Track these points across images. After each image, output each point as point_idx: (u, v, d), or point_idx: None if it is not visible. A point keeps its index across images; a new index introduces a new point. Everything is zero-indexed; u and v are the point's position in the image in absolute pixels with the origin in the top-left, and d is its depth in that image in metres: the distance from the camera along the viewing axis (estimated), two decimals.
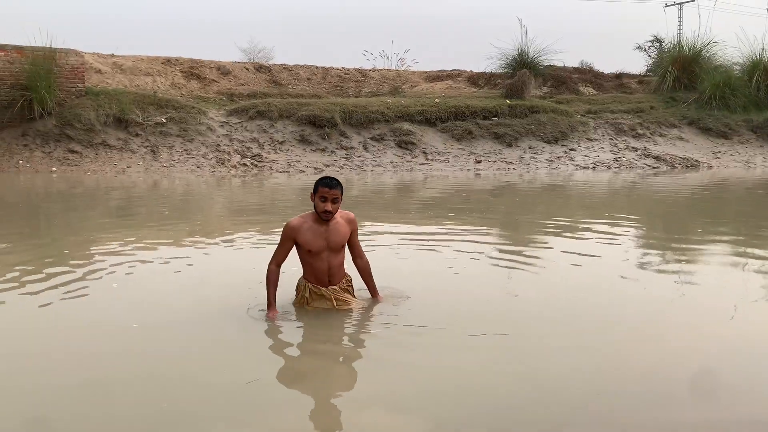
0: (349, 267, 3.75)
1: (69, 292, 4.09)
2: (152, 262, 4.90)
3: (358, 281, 3.79)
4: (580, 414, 2.58)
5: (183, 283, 4.39)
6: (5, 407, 2.52)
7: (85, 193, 9.06)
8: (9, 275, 4.37)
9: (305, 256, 3.55)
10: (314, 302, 3.59)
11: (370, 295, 3.79)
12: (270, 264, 3.52)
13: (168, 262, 4.87)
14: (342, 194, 3.47)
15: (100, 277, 4.43)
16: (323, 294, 3.59)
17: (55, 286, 4.17)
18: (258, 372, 2.89)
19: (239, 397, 2.64)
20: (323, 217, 3.43)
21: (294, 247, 3.56)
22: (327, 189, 3.41)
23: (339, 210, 3.52)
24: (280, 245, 3.55)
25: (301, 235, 3.48)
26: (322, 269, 3.56)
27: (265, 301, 3.53)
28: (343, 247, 3.60)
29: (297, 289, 3.65)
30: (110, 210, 7.85)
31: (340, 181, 3.52)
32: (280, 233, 3.53)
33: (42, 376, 2.86)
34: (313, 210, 3.51)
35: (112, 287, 4.25)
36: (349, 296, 3.67)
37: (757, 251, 5.64)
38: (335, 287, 3.62)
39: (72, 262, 4.92)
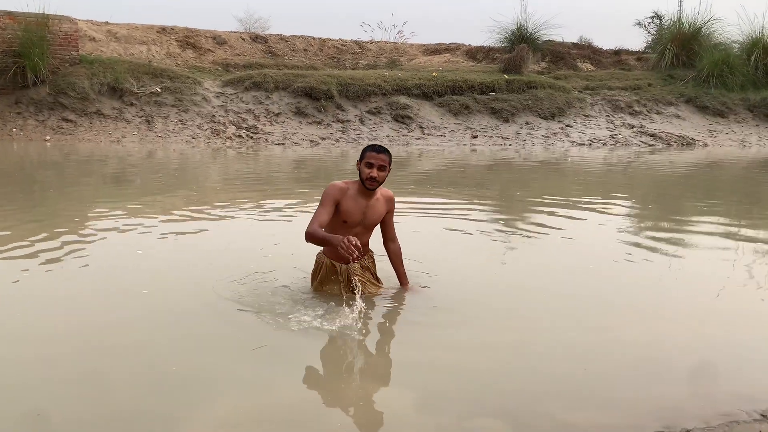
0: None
1: (72, 256, 4.12)
2: (157, 231, 4.93)
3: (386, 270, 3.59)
4: (567, 389, 2.64)
5: (188, 253, 4.42)
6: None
7: (80, 163, 9.02)
8: (4, 245, 4.38)
9: (335, 227, 3.27)
10: (328, 284, 3.40)
11: (398, 282, 3.54)
12: (311, 224, 3.13)
13: (169, 233, 4.89)
14: (390, 164, 3.25)
15: (102, 245, 4.45)
16: (338, 274, 3.37)
17: (57, 255, 4.19)
18: (264, 340, 2.94)
19: (242, 363, 2.69)
20: (367, 186, 3.20)
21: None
22: (374, 154, 3.19)
23: (380, 189, 3.31)
24: (322, 206, 3.20)
25: (344, 201, 3.24)
26: None
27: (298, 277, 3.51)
28: (375, 225, 3.40)
29: (316, 264, 3.46)
30: (106, 180, 7.83)
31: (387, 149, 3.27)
32: (321, 196, 3.23)
33: (45, 345, 2.90)
34: (357, 179, 3.28)
35: (122, 255, 4.27)
36: (368, 278, 3.44)
37: (748, 231, 5.70)
38: (355, 265, 3.36)
39: (71, 231, 4.94)
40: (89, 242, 4.59)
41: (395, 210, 3.51)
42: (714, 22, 16.52)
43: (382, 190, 3.38)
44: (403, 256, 3.56)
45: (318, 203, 3.22)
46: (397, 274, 3.55)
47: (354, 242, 2.84)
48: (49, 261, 4.08)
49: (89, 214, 5.74)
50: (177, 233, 4.91)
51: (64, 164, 8.84)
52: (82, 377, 2.58)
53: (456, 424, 2.32)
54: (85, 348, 2.85)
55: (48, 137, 10.64)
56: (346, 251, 2.82)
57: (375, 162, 3.18)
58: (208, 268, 3.99)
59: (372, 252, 3.51)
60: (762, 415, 2.43)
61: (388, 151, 3.24)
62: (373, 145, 3.27)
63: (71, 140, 10.62)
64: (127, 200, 6.34)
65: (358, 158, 3.26)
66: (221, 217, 5.60)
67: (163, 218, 5.47)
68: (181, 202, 6.32)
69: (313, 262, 3.49)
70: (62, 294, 3.55)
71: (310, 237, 3.08)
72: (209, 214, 5.72)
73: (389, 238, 3.53)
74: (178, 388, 2.52)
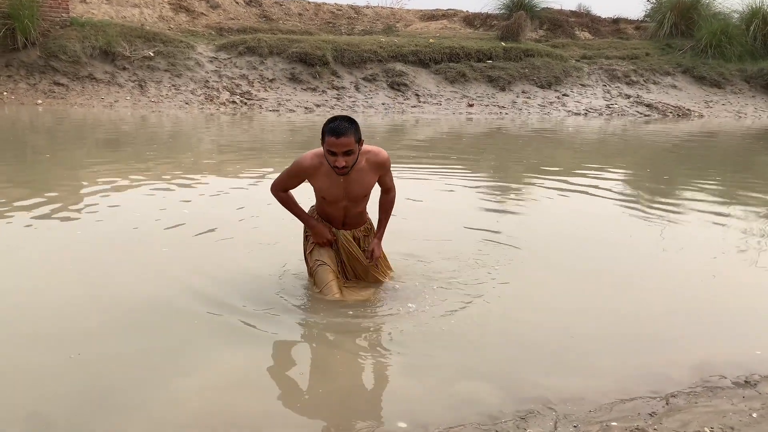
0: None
1: (62, 222, 4.13)
2: (149, 198, 4.92)
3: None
4: (553, 355, 2.70)
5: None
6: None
7: (72, 127, 8.94)
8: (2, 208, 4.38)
9: (319, 199, 2.99)
10: (317, 249, 3.04)
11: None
12: (276, 192, 2.94)
13: (162, 199, 4.89)
14: (359, 139, 2.73)
15: (92, 211, 4.46)
16: (336, 235, 3.06)
17: (46, 220, 4.20)
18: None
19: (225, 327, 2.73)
20: (338, 173, 2.77)
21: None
22: (334, 140, 2.65)
23: (364, 150, 2.84)
24: (286, 176, 2.91)
25: (316, 180, 2.87)
26: (336, 216, 3.02)
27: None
28: (366, 196, 2.99)
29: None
30: (99, 145, 7.78)
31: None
32: (290, 165, 2.91)
33: (46, 297, 2.93)
34: None
35: (114, 222, 4.28)
36: (355, 252, 3.09)
37: (740, 201, 5.75)
38: (346, 232, 3.06)
39: (61, 197, 4.93)
40: (79, 209, 4.59)
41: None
42: None
43: (369, 155, 2.87)
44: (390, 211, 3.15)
45: (285, 172, 2.93)
46: (378, 223, 3.17)
47: (329, 240, 2.97)
48: (36, 226, 4.09)
49: (81, 180, 5.72)
50: (169, 199, 4.91)
51: (57, 129, 8.77)
52: (64, 341, 2.62)
53: (442, 389, 2.38)
54: (69, 315, 2.89)
55: (40, 101, 10.52)
56: (323, 244, 2.99)
57: (337, 150, 2.68)
58: (199, 238, 4.01)
59: (369, 221, 3.16)
60: (745, 380, 2.50)
61: (350, 128, 2.67)
62: (330, 123, 2.71)
63: (63, 104, 10.50)
64: (120, 166, 6.32)
65: (321, 136, 2.76)
66: (214, 184, 5.59)
67: (156, 184, 5.46)
68: (175, 167, 6.30)
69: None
70: (48, 261, 3.57)
71: (279, 200, 2.97)
72: (201, 180, 5.71)
73: (384, 190, 3.12)
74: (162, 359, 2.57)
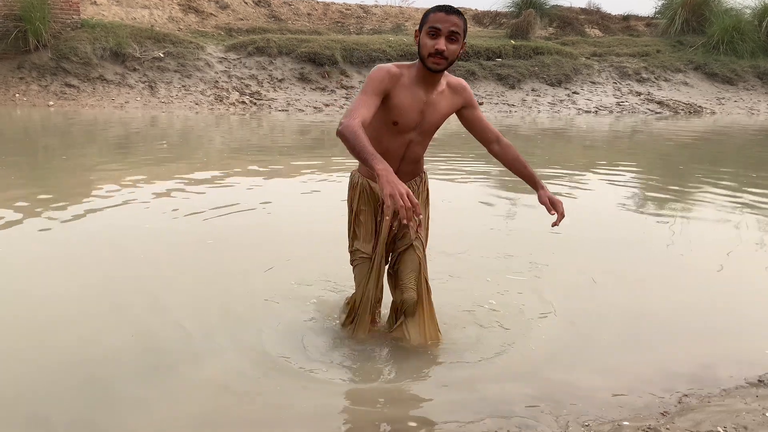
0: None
1: (73, 223, 4.16)
2: (162, 199, 4.95)
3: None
4: (564, 353, 2.69)
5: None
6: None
7: (84, 128, 9.01)
8: (8, 209, 4.42)
9: (380, 131, 2.33)
10: (362, 216, 2.50)
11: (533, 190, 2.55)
12: (352, 120, 2.07)
13: (175, 201, 4.92)
14: (465, 34, 2.24)
15: (105, 213, 4.49)
16: (375, 201, 2.46)
17: (59, 220, 4.23)
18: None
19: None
20: (431, 65, 2.21)
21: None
22: (443, 15, 2.17)
23: (444, 75, 2.34)
24: (363, 94, 2.21)
25: (397, 92, 2.27)
26: (395, 155, 2.38)
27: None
28: (436, 129, 2.45)
29: (350, 188, 2.56)
30: (110, 146, 7.83)
31: None
32: (365, 81, 2.25)
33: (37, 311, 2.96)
34: (415, 61, 2.31)
35: (127, 223, 4.31)
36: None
37: (753, 199, 5.69)
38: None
39: (74, 198, 4.97)
40: (91, 209, 4.62)
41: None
42: None
43: (450, 79, 2.39)
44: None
45: (360, 93, 2.24)
46: (524, 180, 2.57)
47: (411, 199, 1.85)
48: (47, 228, 4.12)
49: (93, 181, 5.75)
50: (182, 201, 4.93)
51: (68, 130, 8.83)
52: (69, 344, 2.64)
53: (453, 386, 2.37)
54: (77, 314, 2.90)
55: (51, 102, 10.60)
56: (398, 206, 1.84)
57: (443, 27, 2.17)
58: (214, 239, 4.03)
59: (426, 173, 2.60)
60: (759, 380, 2.47)
61: (461, 14, 2.20)
62: (439, 5, 2.22)
63: (74, 105, 10.57)
64: (132, 167, 6.35)
65: (418, 27, 2.26)
66: (228, 184, 5.61)
67: (168, 186, 5.49)
68: (187, 169, 6.33)
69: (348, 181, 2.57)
70: (60, 260, 3.59)
71: (343, 136, 2.05)
72: (215, 181, 5.73)
73: (491, 139, 2.52)
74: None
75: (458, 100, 2.41)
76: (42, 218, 4.24)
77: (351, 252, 2.59)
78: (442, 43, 2.17)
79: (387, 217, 2.36)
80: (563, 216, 2.45)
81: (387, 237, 2.47)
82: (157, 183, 5.51)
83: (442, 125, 2.47)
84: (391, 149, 2.35)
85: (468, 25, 2.25)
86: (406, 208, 1.83)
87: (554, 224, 2.46)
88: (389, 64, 2.29)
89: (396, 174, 2.10)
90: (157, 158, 6.88)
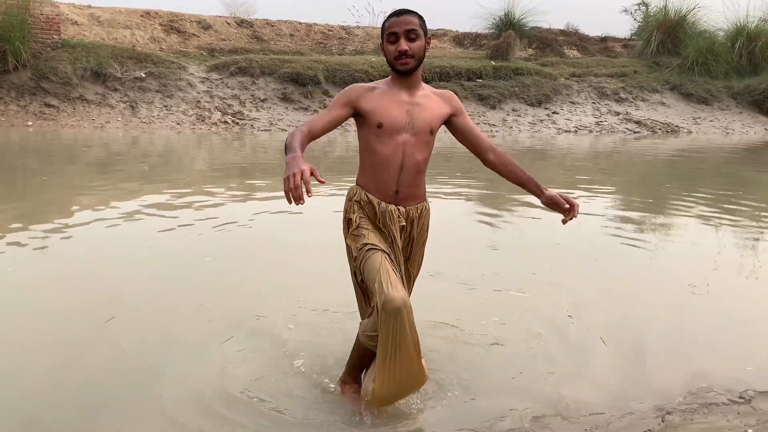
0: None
1: (51, 245, 4.10)
2: (142, 221, 4.90)
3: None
4: (549, 370, 2.69)
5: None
6: None
7: (63, 149, 8.92)
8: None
9: (370, 139, 2.23)
10: (363, 230, 2.22)
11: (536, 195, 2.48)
12: (299, 127, 2.15)
13: (155, 222, 4.87)
14: (425, 30, 2.22)
15: (84, 235, 4.43)
16: (382, 216, 2.24)
17: (37, 243, 4.16)
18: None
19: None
20: (399, 67, 2.19)
21: (350, 118, 2.26)
22: (395, 18, 2.17)
23: (427, 85, 2.34)
24: (326, 110, 2.24)
25: (369, 99, 2.22)
26: (393, 164, 2.23)
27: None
28: (432, 137, 2.31)
29: (347, 200, 2.34)
30: (90, 167, 7.75)
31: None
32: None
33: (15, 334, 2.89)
34: (390, 75, 2.28)
35: (106, 244, 4.25)
36: (403, 244, 2.30)
37: (731, 217, 5.78)
38: (400, 209, 2.27)
39: (52, 220, 4.90)
40: (69, 232, 4.56)
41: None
42: (699, 9, 16.64)
43: (433, 89, 2.38)
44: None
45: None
46: (526, 187, 2.50)
47: (304, 178, 1.79)
48: (24, 249, 4.05)
49: (72, 202, 5.68)
50: (162, 222, 4.89)
51: (47, 151, 8.73)
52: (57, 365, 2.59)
53: (448, 399, 2.36)
54: (56, 337, 2.85)
55: (30, 123, 10.49)
56: (288, 186, 1.78)
57: (399, 30, 2.16)
58: (195, 258, 3.99)
59: (428, 204, 2.40)
60: (740, 396, 2.49)
61: (413, 13, 2.21)
62: (392, 12, 2.23)
63: (54, 126, 10.47)
64: (112, 188, 6.29)
65: (380, 42, 2.25)
66: (211, 205, 5.57)
67: (148, 207, 5.44)
68: (167, 189, 6.28)
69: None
70: (39, 282, 3.53)
71: (288, 136, 2.08)
72: (196, 202, 5.69)
73: (485, 149, 2.48)
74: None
75: (447, 107, 2.36)
76: (18, 240, 4.16)
77: (357, 253, 2.19)
78: (403, 44, 2.16)
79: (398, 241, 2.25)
80: (578, 208, 2.40)
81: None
82: (137, 204, 5.46)
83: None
84: (386, 155, 2.21)
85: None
86: (291, 188, 1.77)
87: (568, 220, 2.41)
88: (358, 84, 2.31)
89: (397, 195, 2.25)
90: (138, 179, 6.82)
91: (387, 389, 2.12)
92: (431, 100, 2.30)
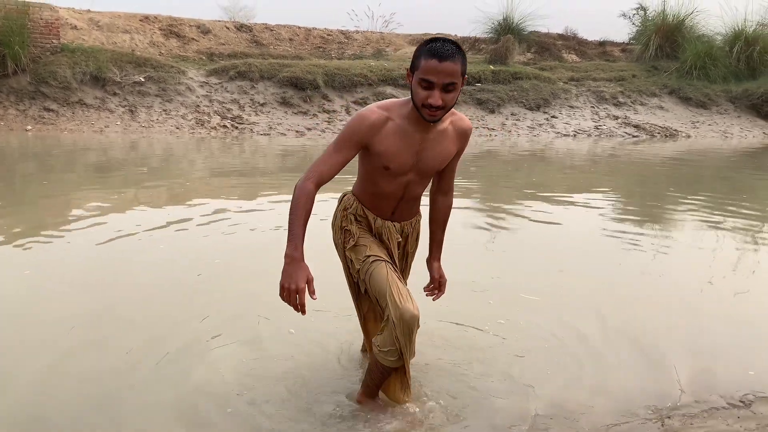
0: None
1: (52, 249, 4.09)
2: (142, 226, 4.90)
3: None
4: (549, 375, 2.68)
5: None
6: None
7: (62, 153, 8.92)
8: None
9: (374, 173, 2.15)
10: (363, 241, 2.21)
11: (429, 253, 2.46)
12: (305, 179, 2.00)
13: (153, 227, 4.86)
14: (464, 75, 1.96)
15: (82, 239, 4.43)
16: (378, 232, 2.24)
17: (36, 247, 4.16)
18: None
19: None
20: (426, 116, 1.97)
21: (357, 154, 2.11)
22: (436, 63, 1.87)
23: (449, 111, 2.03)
24: (333, 149, 2.03)
25: (382, 139, 2.05)
26: (390, 197, 2.20)
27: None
28: (436, 172, 2.25)
29: (343, 209, 2.29)
30: (89, 171, 7.75)
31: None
32: (344, 128, 2.07)
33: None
34: (409, 98, 2.05)
35: (103, 251, 4.25)
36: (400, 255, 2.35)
37: (731, 221, 5.78)
38: (396, 225, 2.27)
39: (52, 224, 4.89)
40: (68, 237, 4.55)
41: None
42: (697, 14, 16.69)
43: (454, 117, 2.17)
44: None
45: (333, 141, 2.07)
46: (430, 240, 2.44)
47: (300, 298, 1.88)
48: (23, 252, 4.05)
49: (70, 207, 5.68)
50: (161, 227, 4.88)
51: (46, 155, 8.73)
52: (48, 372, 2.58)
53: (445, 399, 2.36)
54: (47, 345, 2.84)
55: (29, 127, 10.49)
56: (284, 298, 1.90)
57: (437, 80, 1.89)
58: (191, 266, 3.98)
59: (420, 215, 2.41)
60: (740, 400, 2.48)
61: (457, 54, 1.91)
62: (432, 44, 1.90)
63: (53, 130, 10.47)
64: (111, 192, 6.29)
65: (409, 65, 1.98)
66: (210, 208, 5.57)
67: (148, 211, 5.43)
68: (166, 194, 6.28)
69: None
70: (38, 284, 3.53)
71: (292, 198, 1.98)
72: (195, 206, 5.69)
73: (442, 189, 2.37)
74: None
75: (456, 146, 2.20)
76: (18, 243, 4.16)
77: (360, 265, 2.15)
78: (436, 98, 1.91)
79: (395, 248, 2.26)
80: (442, 294, 2.45)
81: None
82: (137, 208, 5.46)
83: None
84: (388, 191, 2.18)
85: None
86: (291, 305, 1.88)
87: (429, 295, 2.45)
88: (375, 109, 2.05)
89: (392, 214, 2.24)
90: (138, 183, 6.82)
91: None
92: (446, 138, 2.14)
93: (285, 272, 1.90)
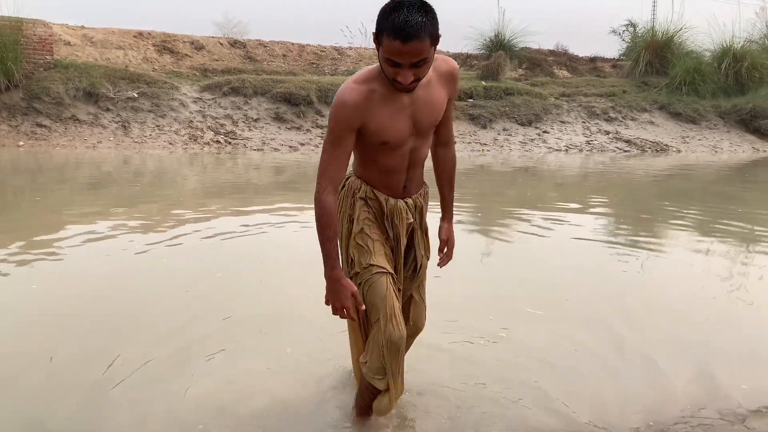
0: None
1: (42, 267, 4.07)
2: (134, 242, 4.88)
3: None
4: (545, 386, 2.68)
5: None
6: None
7: (54, 169, 8.89)
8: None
9: (372, 152, 2.01)
10: (368, 229, 2.05)
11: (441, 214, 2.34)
12: (322, 191, 1.90)
13: (146, 244, 4.85)
14: (436, 38, 1.76)
15: (74, 256, 4.40)
16: (390, 214, 2.07)
17: (27, 265, 4.13)
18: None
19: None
20: (399, 89, 1.85)
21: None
22: (400, 44, 1.71)
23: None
24: (332, 148, 1.90)
25: (373, 116, 1.90)
26: (400, 170, 2.06)
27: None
28: (435, 126, 2.07)
29: (347, 195, 2.10)
30: (82, 186, 7.73)
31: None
32: (328, 120, 1.94)
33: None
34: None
35: (96, 267, 4.22)
36: (418, 231, 2.19)
37: (722, 235, 5.82)
38: (408, 201, 2.12)
39: (43, 241, 4.86)
40: (61, 253, 4.53)
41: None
42: (686, 30, 16.91)
43: (436, 61, 1.96)
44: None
45: (326, 137, 1.92)
46: (441, 201, 2.33)
47: (349, 313, 1.91)
48: (17, 268, 4.02)
49: (63, 223, 5.65)
50: (153, 244, 4.87)
51: (38, 171, 8.70)
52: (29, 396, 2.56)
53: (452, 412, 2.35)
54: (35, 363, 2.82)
55: (21, 143, 10.46)
56: (337, 315, 1.93)
57: (403, 61, 1.75)
58: (186, 284, 3.96)
59: (428, 186, 2.25)
60: (734, 415, 2.49)
61: (424, 25, 1.71)
62: (395, 17, 1.70)
63: (45, 146, 10.45)
64: (103, 208, 6.26)
65: (373, 32, 1.79)
66: (202, 226, 5.56)
67: (140, 228, 5.41)
68: (159, 209, 6.27)
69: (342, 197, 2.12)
70: (32, 298, 3.50)
71: (317, 213, 1.90)
72: (188, 221, 5.67)
73: (441, 141, 2.22)
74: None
75: (447, 91, 2.02)
76: (10, 259, 4.13)
77: (362, 271, 2.02)
78: (406, 76, 1.78)
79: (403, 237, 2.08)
80: (450, 259, 2.35)
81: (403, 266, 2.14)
82: (130, 223, 5.44)
83: None
84: (392, 165, 2.03)
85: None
86: (343, 318, 1.93)
87: (440, 264, 2.34)
88: (354, 86, 1.88)
89: (405, 190, 2.07)
90: (131, 199, 6.80)
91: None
92: (434, 88, 1.96)
93: (329, 292, 1.93)
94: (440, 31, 1.76)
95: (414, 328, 2.26)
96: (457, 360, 2.89)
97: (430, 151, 2.19)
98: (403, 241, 2.12)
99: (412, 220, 2.13)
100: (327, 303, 1.94)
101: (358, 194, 2.06)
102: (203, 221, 5.63)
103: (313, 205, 1.91)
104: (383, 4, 1.76)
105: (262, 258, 4.45)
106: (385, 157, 2.00)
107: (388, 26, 1.72)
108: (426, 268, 2.27)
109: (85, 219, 5.55)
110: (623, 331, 3.32)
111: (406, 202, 2.10)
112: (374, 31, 1.78)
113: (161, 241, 4.81)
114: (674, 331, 3.38)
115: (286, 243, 4.86)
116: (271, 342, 2.99)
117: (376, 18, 1.76)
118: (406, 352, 2.12)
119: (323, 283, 1.95)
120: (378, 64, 1.88)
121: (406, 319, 2.19)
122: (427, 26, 1.71)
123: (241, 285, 3.81)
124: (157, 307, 3.44)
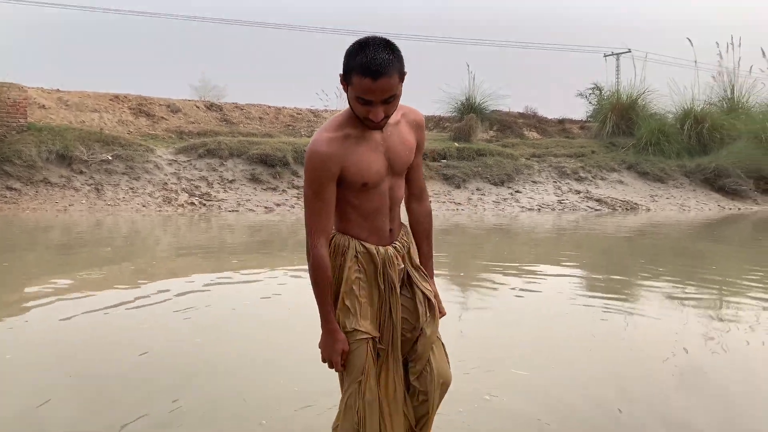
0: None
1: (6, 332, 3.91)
2: (102, 307, 4.74)
3: None
4: None
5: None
6: None
7: (24, 232, 8.71)
8: None
9: (351, 198, 1.98)
10: (357, 287, 1.99)
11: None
12: (315, 245, 1.92)
13: (115, 308, 4.72)
14: (402, 74, 1.81)
15: (39, 322, 4.25)
16: (383, 266, 2.01)
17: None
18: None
19: None
20: (370, 126, 1.88)
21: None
22: (369, 82, 1.74)
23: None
24: (315, 201, 1.90)
25: (350, 159, 1.90)
26: (382, 212, 2.02)
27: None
28: (408, 165, 2.06)
29: (336, 255, 2.01)
30: (49, 251, 7.56)
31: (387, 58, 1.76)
32: (304, 174, 1.94)
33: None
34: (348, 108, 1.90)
35: (65, 334, 4.08)
36: (416, 275, 2.11)
37: (694, 291, 5.89)
38: (396, 245, 2.07)
39: (7, 308, 4.70)
40: (28, 314, 4.38)
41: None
42: (649, 93, 17.67)
43: (404, 110, 2.03)
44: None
45: (306, 192, 1.92)
46: (419, 255, 2.18)
47: (336, 363, 1.95)
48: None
49: (28, 289, 5.49)
50: (123, 304, 4.74)
51: (5, 234, 8.51)
52: None
53: None
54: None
55: None
56: (327, 365, 1.98)
57: (374, 98, 1.78)
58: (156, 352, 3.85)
59: (407, 227, 2.18)
60: None
61: (391, 62, 1.75)
62: (363, 57, 1.74)
63: (14, 209, 10.28)
64: (73, 272, 6.11)
65: (340, 73, 1.83)
66: (173, 288, 5.44)
67: (111, 290, 5.28)
68: (128, 274, 6.14)
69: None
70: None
71: (312, 269, 1.93)
72: (158, 284, 5.55)
73: (414, 194, 2.19)
74: None
75: (414, 137, 2.05)
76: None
77: (345, 335, 1.98)
78: (377, 114, 1.81)
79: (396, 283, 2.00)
80: (443, 314, 2.23)
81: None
82: (100, 287, 5.30)
83: None
84: (374, 208, 1.99)
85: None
86: (329, 367, 1.97)
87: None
88: (326, 134, 1.91)
89: (391, 233, 2.04)
90: (101, 262, 6.66)
91: None
92: (402, 128, 2.01)
93: (323, 342, 1.97)
94: (405, 69, 1.82)
95: (441, 379, 2.09)
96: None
97: (405, 205, 2.19)
98: (398, 288, 2.04)
99: (402, 266, 2.08)
100: (322, 356, 1.98)
101: (348, 253, 2.00)
102: (172, 284, 5.52)
103: (305, 262, 1.91)
104: (348, 47, 1.81)
105: (232, 323, 4.35)
106: (366, 199, 1.98)
107: (356, 66, 1.76)
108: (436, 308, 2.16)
109: (53, 282, 5.40)
110: (609, 388, 3.29)
111: (395, 247, 2.06)
112: (341, 72, 1.82)
113: (130, 303, 4.68)
114: (656, 389, 3.35)
115: (250, 315, 4.76)
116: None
117: (342, 60, 1.80)
118: (436, 409, 2.09)
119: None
120: (345, 108, 1.94)
121: (430, 370, 2.07)
122: (395, 63, 1.77)
123: (212, 351, 3.70)
124: (126, 374, 3.31)
